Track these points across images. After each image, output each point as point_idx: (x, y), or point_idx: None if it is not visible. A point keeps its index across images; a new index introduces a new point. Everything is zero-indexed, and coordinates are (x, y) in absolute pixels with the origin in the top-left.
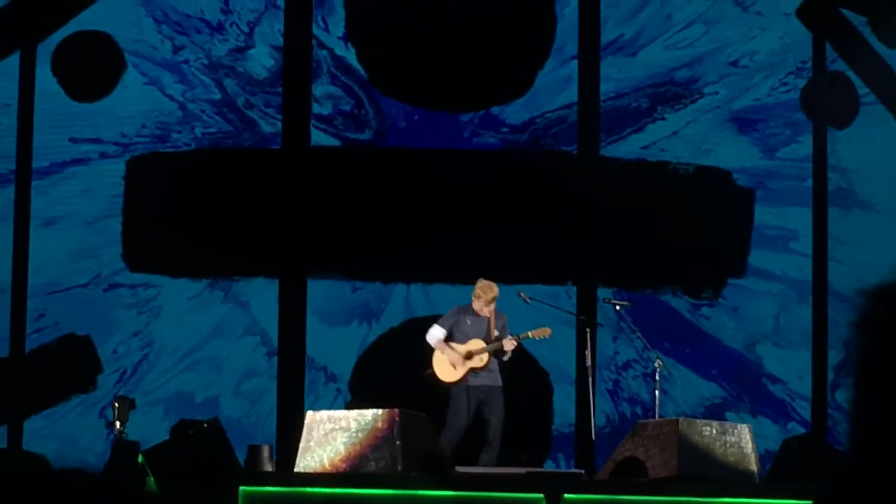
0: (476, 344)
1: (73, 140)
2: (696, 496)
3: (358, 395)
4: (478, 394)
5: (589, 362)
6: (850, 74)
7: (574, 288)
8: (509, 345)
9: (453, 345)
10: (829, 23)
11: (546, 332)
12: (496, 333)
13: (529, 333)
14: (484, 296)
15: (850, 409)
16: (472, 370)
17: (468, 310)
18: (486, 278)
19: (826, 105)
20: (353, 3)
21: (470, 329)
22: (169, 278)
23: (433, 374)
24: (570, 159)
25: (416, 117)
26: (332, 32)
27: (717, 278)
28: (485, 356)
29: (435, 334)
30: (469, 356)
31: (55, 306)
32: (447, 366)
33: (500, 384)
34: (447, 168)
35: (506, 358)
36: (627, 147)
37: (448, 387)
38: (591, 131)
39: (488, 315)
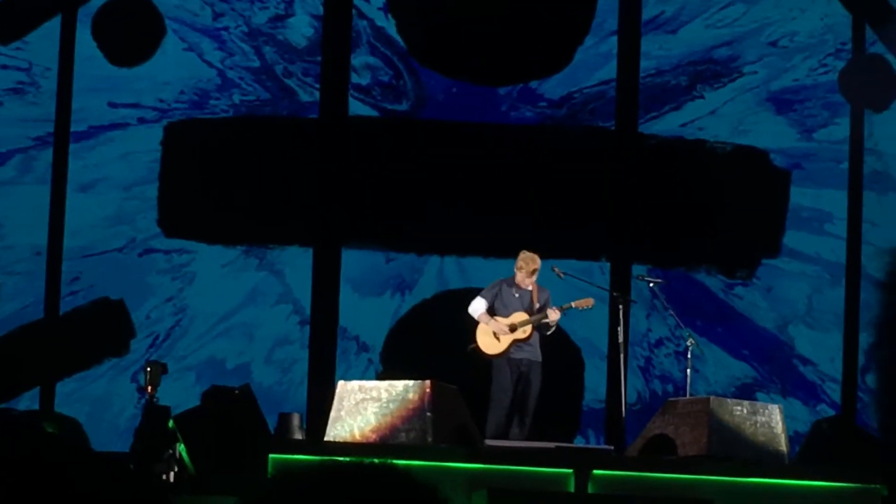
0: (520, 316)
1: (111, 105)
2: (725, 475)
3: (390, 365)
4: (519, 367)
5: (621, 339)
6: (889, 57)
7: (608, 264)
8: (554, 315)
9: (497, 317)
10: (868, 4)
11: (589, 302)
12: (538, 306)
13: (573, 304)
14: (526, 267)
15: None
16: (516, 342)
17: (510, 282)
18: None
19: (864, 88)
20: None
21: (513, 301)
22: (204, 245)
23: (477, 348)
24: (608, 135)
25: (454, 90)
26: (372, 3)
27: (751, 258)
28: (528, 328)
29: (477, 307)
30: (513, 328)
31: (90, 270)
32: (491, 337)
33: (540, 359)
34: (484, 141)
35: (549, 332)
36: (665, 124)
37: (490, 359)
38: (630, 108)
39: (530, 287)
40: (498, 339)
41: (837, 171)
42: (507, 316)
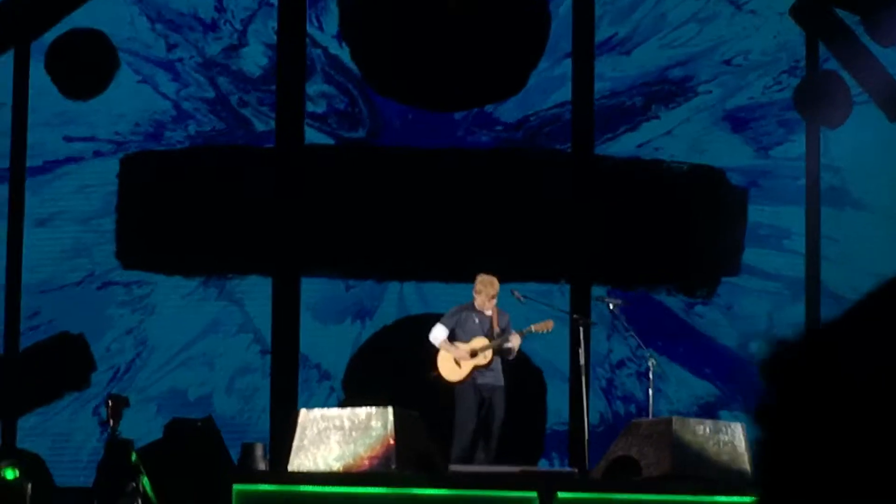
0: (480, 342)
1: (67, 138)
2: (689, 495)
3: (352, 393)
4: (482, 392)
5: (582, 360)
6: (844, 74)
7: (568, 286)
8: (516, 341)
9: (457, 343)
10: (822, 22)
11: (549, 325)
12: (498, 330)
13: (532, 327)
14: (485, 290)
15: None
16: (477, 368)
17: (470, 307)
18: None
19: (819, 104)
20: (346, 2)
21: (473, 327)
22: (163, 276)
23: (438, 375)
24: (565, 157)
25: (409, 116)
26: (325, 31)
27: (710, 277)
28: (489, 353)
29: (438, 334)
30: (473, 354)
31: (49, 304)
32: (452, 364)
33: (503, 384)
34: (441, 166)
35: (511, 357)
36: (622, 146)
37: (453, 386)
38: (586, 130)
39: (490, 311)
40: (459, 365)
41: (794, 188)
42: (467, 341)
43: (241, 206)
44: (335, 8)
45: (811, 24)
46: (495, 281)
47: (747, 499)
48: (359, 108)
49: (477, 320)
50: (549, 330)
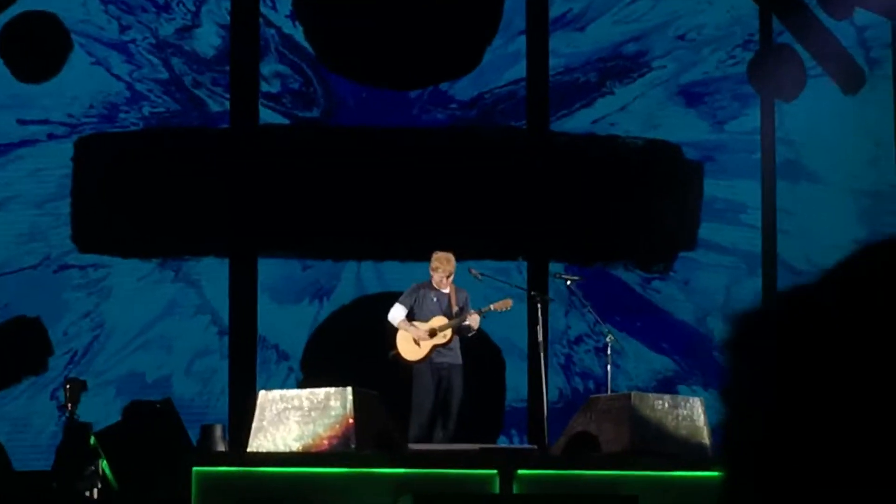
0: (439, 321)
1: (20, 121)
2: (649, 470)
3: (310, 373)
4: (440, 371)
5: (540, 337)
6: (797, 47)
7: (525, 263)
8: (475, 320)
9: (416, 323)
10: None
11: (508, 303)
12: (457, 308)
13: (492, 306)
14: (441, 267)
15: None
16: (437, 347)
17: (427, 286)
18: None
19: (773, 78)
20: None
21: (431, 305)
22: (119, 259)
23: (398, 355)
24: (520, 134)
25: (364, 94)
26: (279, 11)
27: (667, 252)
28: (448, 332)
29: (396, 314)
30: (432, 333)
31: (4, 288)
32: (411, 343)
33: (461, 362)
34: (396, 145)
35: (471, 335)
36: (577, 122)
37: (411, 366)
38: (541, 106)
39: (448, 289)
40: (419, 344)
41: (750, 162)
42: (426, 320)
43: (197, 188)
44: None
45: None
46: (451, 258)
47: (707, 473)
48: (313, 87)
49: (435, 299)
50: (509, 308)
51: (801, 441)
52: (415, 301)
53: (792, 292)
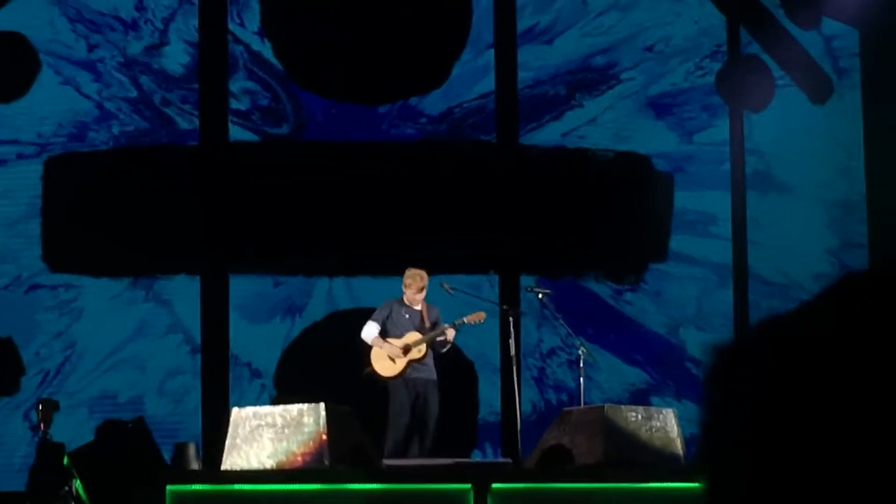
0: (412, 336)
1: None
2: (623, 482)
3: (283, 390)
4: (416, 387)
5: (513, 351)
6: (765, 57)
7: (496, 277)
8: (451, 333)
9: (390, 339)
10: (742, 6)
11: (481, 316)
12: (428, 324)
13: (465, 319)
14: (414, 283)
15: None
16: (411, 363)
17: (400, 302)
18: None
19: (742, 88)
20: None
21: (403, 321)
22: (90, 278)
23: (373, 372)
24: (490, 148)
25: (333, 110)
26: (247, 27)
27: (638, 263)
28: (423, 347)
29: (369, 331)
30: (407, 349)
31: None
32: (386, 360)
33: (436, 378)
34: (366, 160)
35: (445, 349)
36: (546, 135)
37: (386, 383)
38: (510, 120)
39: (420, 305)
40: (394, 361)
41: (719, 173)
42: (399, 336)
43: (167, 206)
44: (256, 4)
45: (732, 9)
46: (424, 274)
47: (681, 484)
48: (282, 103)
49: (407, 315)
50: (482, 321)
51: (781, 472)
52: (387, 317)
53: (768, 325)
